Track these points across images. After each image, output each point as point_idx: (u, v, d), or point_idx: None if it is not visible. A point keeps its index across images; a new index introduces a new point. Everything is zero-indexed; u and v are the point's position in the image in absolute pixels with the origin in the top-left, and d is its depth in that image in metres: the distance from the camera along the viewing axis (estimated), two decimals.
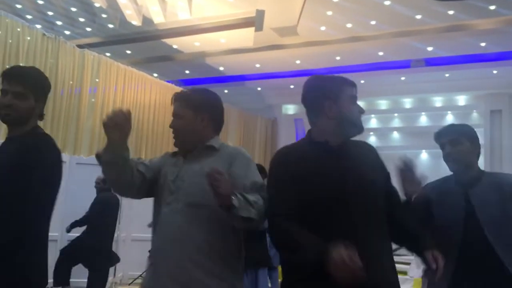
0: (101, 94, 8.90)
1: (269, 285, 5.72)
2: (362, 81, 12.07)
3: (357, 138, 2.22)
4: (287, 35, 9.62)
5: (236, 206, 1.91)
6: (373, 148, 2.32)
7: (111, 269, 7.73)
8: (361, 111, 2.20)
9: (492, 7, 8.09)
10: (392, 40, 9.52)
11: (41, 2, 9.23)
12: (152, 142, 10.04)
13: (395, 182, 2.31)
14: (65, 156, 7.80)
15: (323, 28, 9.37)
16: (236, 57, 10.75)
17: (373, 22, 9.03)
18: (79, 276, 6.92)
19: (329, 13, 8.68)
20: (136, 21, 9.36)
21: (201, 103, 2.32)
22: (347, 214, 1.95)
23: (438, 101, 12.46)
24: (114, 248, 7.44)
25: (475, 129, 2.89)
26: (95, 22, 10.11)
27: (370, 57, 10.49)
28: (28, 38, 7.47)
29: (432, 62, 10.67)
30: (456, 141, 2.75)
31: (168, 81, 11.19)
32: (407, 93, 12.31)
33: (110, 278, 7.98)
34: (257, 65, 11.37)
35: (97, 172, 7.04)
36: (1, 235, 1.96)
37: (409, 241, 2.18)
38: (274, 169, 2.16)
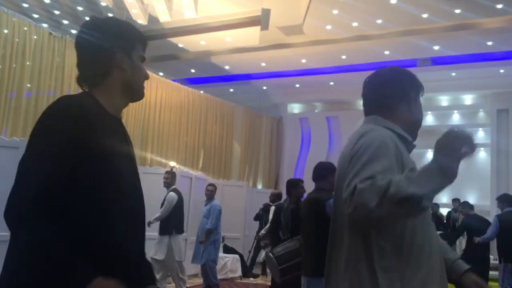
0: None
1: None
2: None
3: None
4: (293, 34, 9.61)
5: None
6: None
7: None
8: None
9: (499, 6, 8.04)
10: (398, 39, 9.50)
11: (47, 1, 9.27)
12: (158, 140, 10.08)
13: None
14: None
15: (329, 27, 9.35)
16: (241, 56, 10.76)
17: (379, 21, 9.01)
18: None
19: (335, 11, 8.66)
20: (142, 20, 9.38)
21: None
22: None
23: (444, 100, 12.41)
24: None
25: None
26: None
27: (376, 56, 10.46)
28: (35, 37, 7.51)
29: (438, 61, 10.63)
30: None
31: (174, 80, 11.22)
32: None
33: None
34: (263, 64, 11.37)
35: None
36: None
37: None
38: None
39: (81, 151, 1.29)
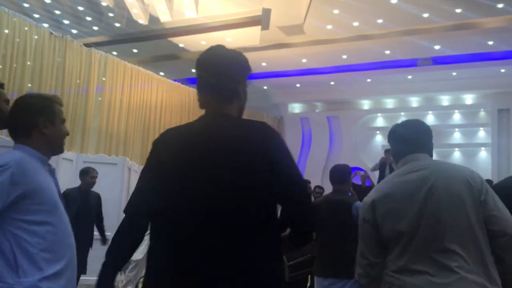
0: (108, 93, 8.94)
1: None
2: (369, 80, 12.06)
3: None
4: (294, 34, 9.61)
5: None
6: None
7: None
8: None
9: (500, 5, 8.04)
10: (399, 39, 9.49)
11: (48, 1, 9.28)
12: None
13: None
14: (72, 154, 7.84)
15: (329, 26, 9.35)
16: None
17: (380, 21, 9.00)
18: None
19: (336, 11, 8.66)
20: (142, 20, 9.39)
21: None
22: None
23: (445, 100, 12.41)
24: None
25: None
26: (102, 21, 10.16)
27: (377, 56, 10.45)
28: (36, 37, 7.51)
29: (439, 60, 10.62)
30: None
31: (174, 80, 11.22)
32: (414, 92, 12.27)
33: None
34: (263, 64, 11.36)
35: (103, 170, 7.05)
36: None
37: None
38: None
39: None
